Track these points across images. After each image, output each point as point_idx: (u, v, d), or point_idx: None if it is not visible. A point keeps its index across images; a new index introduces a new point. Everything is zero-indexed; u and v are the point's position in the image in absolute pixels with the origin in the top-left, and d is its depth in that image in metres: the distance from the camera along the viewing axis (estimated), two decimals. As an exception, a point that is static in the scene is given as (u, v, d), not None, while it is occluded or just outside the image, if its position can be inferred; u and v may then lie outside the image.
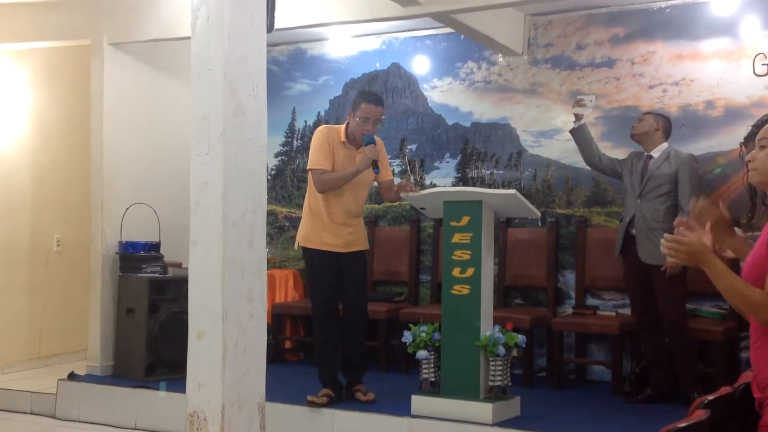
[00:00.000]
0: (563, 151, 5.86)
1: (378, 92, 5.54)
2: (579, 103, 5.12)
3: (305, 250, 4.94)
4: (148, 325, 5.66)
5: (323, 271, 4.88)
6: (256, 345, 3.54)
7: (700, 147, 5.41)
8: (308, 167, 4.86)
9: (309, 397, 4.84)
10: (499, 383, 4.48)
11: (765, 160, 2.33)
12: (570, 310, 5.68)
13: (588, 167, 5.39)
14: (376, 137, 4.86)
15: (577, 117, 5.14)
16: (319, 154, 4.79)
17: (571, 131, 5.20)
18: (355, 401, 4.89)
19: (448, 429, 4.45)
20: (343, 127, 4.89)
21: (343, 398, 4.91)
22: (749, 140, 3.53)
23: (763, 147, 2.34)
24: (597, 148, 5.22)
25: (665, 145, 4.98)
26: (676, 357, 4.89)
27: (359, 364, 4.99)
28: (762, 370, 2.28)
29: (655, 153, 4.97)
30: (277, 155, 6.95)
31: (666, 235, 2.32)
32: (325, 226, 4.84)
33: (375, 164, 4.72)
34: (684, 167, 4.86)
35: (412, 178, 6.33)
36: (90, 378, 5.79)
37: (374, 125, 4.80)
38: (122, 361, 5.85)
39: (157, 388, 5.38)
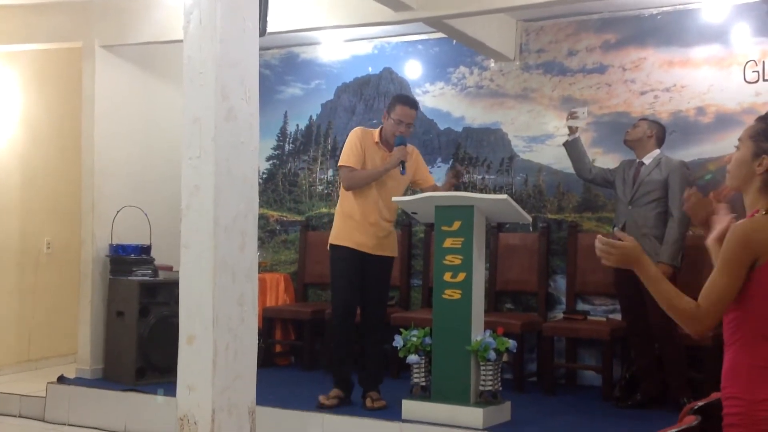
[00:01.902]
0: (555, 156, 5.87)
1: (413, 97, 5.56)
2: (572, 116, 5.15)
3: (333, 248, 4.94)
4: (139, 328, 5.64)
5: (348, 270, 4.87)
6: (247, 349, 3.54)
7: (690, 153, 5.43)
8: (338, 164, 4.99)
9: (320, 398, 4.86)
10: (490, 388, 4.48)
11: (734, 163, 2.32)
12: (561, 316, 5.69)
13: (580, 176, 5.42)
14: (410, 145, 5.01)
15: (571, 130, 5.16)
16: (349, 152, 4.89)
17: (565, 144, 5.22)
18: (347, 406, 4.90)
19: (439, 434, 4.44)
20: (378, 130, 4.99)
21: (350, 401, 4.93)
22: None
23: (737, 149, 2.33)
24: (589, 161, 5.25)
25: (657, 151, 5.01)
26: (665, 363, 4.90)
27: (374, 372, 4.94)
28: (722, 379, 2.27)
29: (647, 159, 4.99)
30: (268, 159, 6.94)
31: (599, 237, 2.29)
32: (357, 226, 4.88)
33: (402, 165, 4.82)
34: (674, 174, 4.88)
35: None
36: (79, 381, 5.76)
37: (407, 128, 4.90)
38: (112, 364, 5.83)
39: (149, 392, 5.37)
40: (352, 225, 4.88)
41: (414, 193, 5.49)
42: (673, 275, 4.81)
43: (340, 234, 4.91)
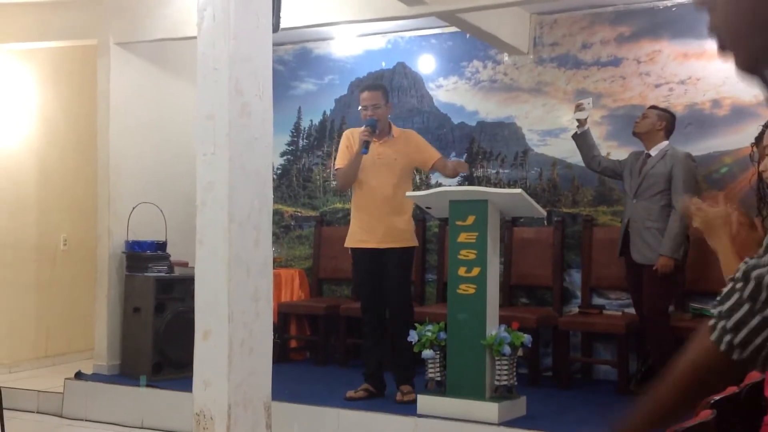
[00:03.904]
0: (569, 150, 5.83)
1: (376, 81, 5.86)
2: (578, 108, 5.12)
3: (350, 250, 5.09)
4: (155, 324, 5.67)
5: (359, 269, 5.07)
6: (262, 344, 3.55)
7: (706, 146, 5.39)
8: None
9: (348, 392, 4.94)
10: (505, 383, 4.47)
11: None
12: (576, 310, 5.68)
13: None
14: (408, 129, 5.24)
15: (580, 122, 5.14)
16: (339, 154, 5.08)
17: (575, 137, 5.20)
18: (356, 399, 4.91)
19: (454, 428, 4.45)
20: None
21: (383, 395, 4.97)
22: (760, 140, 3.50)
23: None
24: (598, 152, 5.22)
25: (665, 143, 4.96)
26: (652, 353, 4.90)
27: (402, 365, 4.96)
28: None
29: (654, 151, 4.96)
30: (282, 154, 6.95)
31: (695, 199, 2.31)
32: (359, 223, 4.99)
33: (366, 144, 4.83)
34: (678, 165, 4.84)
35: (417, 177, 6.33)
36: (97, 377, 5.80)
37: (374, 110, 4.92)
38: (129, 360, 5.86)
39: (166, 387, 5.40)
40: (356, 223, 5.03)
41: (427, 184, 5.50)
42: (675, 268, 4.77)
43: (349, 236, 5.06)
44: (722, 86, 5.43)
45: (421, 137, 5.17)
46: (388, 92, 5.20)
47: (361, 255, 4.98)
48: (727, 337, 1.12)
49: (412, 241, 5.02)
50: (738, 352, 1.11)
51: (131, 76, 6.13)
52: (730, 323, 1.11)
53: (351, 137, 5.02)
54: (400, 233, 4.94)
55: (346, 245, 5.08)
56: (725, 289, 1.16)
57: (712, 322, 1.17)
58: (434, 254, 6.27)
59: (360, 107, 5.00)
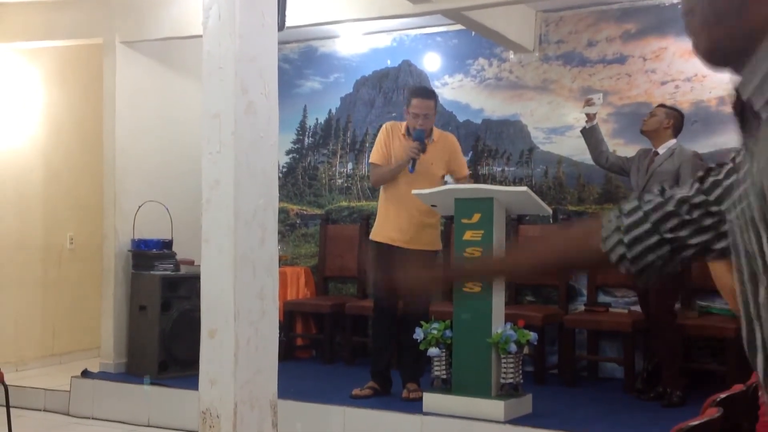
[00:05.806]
0: (575, 147, 5.84)
1: (429, 88, 5.77)
2: (588, 103, 5.11)
3: (370, 243, 5.09)
4: (161, 322, 5.68)
5: (380, 265, 5.03)
6: (268, 342, 3.56)
7: (713, 143, 5.38)
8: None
9: (354, 390, 4.93)
10: (511, 380, 4.47)
11: None
12: (582, 308, 5.67)
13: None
14: (450, 133, 5.19)
15: (589, 117, 5.12)
16: (375, 149, 5.08)
17: (583, 131, 5.19)
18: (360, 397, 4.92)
19: (460, 426, 4.45)
20: (406, 122, 5.05)
21: (390, 393, 4.97)
22: None
23: None
24: (606, 148, 5.20)
25: (673, 141, 4.94)
26: (658, 352, 4.89)
27: (410, 364, 4.97)
28: None
29: (662, 149, 4.94)
30: (288, 153, 6.96)
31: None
32: (389, 220, 4.97)
33: (413, 162, 4.81)
34: (686, 164, 4.82)
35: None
36: (103, 375, 5.81)
37: (425, 119, 4.88)
38: (135, 358, 5.87)
39: (172, 386, 5.41)
40: (384, 219, 5.00)
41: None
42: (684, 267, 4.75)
43: (375, 229, 5.06)
44: (729, 83, 5.40)
45: (458, 145, 5.12)
46: (438, 100, 5.20)
47: (385, 252, 4.92)
48: (620, 250, 1.15)
49: (437, 245, 5.05)
50: (626, 265, 1.14)
51: (137, 75, 6.14)
52: (628, 237, 1.14)
53: (389, 132, 4.98)
54: (427, 236, 4.96)
55: (371, 237, 5.08)
56: (632, 202, 1.20)
57: (608, 226, 1.19)
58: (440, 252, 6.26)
59: (411, 113, 4.89)
